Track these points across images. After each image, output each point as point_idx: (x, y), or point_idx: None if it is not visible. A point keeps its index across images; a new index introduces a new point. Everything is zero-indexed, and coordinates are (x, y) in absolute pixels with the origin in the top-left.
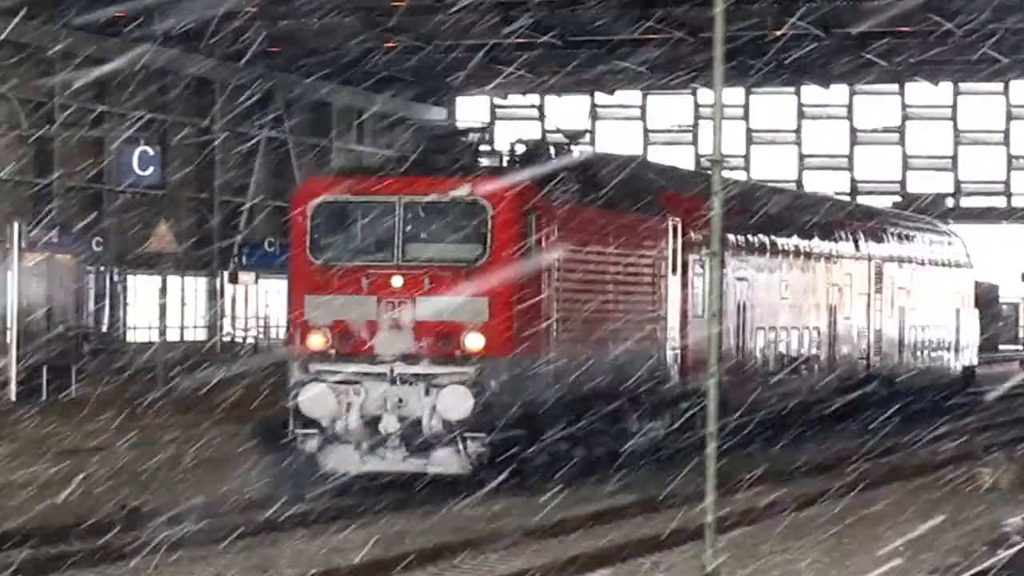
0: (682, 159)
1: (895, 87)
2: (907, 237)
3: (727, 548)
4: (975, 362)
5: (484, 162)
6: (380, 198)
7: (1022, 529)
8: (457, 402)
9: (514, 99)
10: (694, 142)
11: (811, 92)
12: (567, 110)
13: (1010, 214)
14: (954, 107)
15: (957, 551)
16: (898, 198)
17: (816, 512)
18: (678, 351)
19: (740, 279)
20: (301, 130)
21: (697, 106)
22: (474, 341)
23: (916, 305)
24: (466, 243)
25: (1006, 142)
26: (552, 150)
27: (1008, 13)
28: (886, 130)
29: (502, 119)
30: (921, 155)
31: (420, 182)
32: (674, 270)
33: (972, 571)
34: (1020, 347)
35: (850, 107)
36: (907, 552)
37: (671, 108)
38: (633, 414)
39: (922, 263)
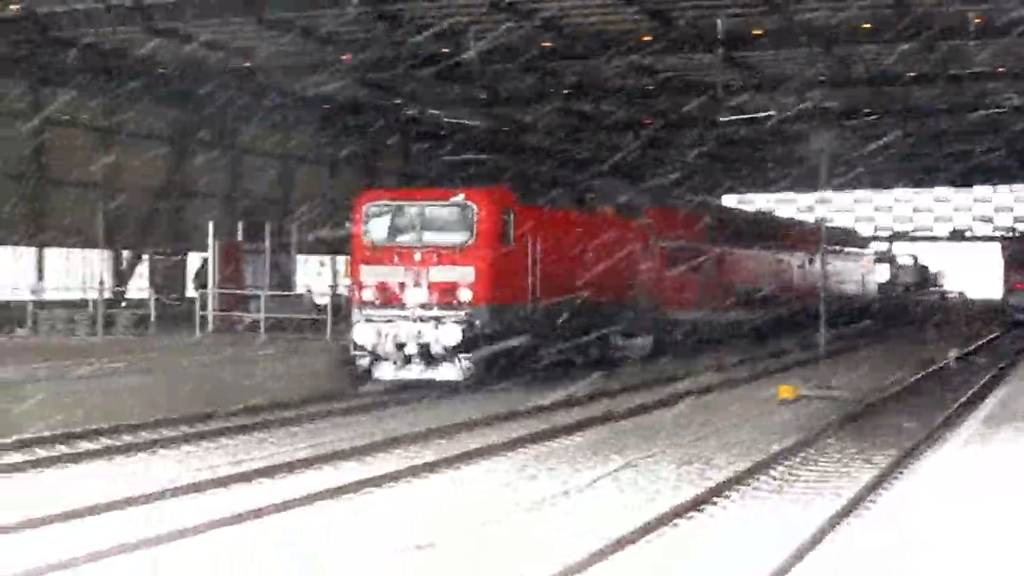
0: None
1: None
2: (835, 239)
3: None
4: (875, 295)
5: (477, 182)
6: (408, 202)
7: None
8: (450, 333)
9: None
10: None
11: (863, 194)
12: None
13: (934, 239)
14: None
15: (910, 368)
16: (889, 232)
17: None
18: (654, 301)
19: (734, 260)
20: None
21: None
22: (465, 294)
23: (839, 271)
24: (460, 231)
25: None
26: (540, 177)
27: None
28: (888, 207)
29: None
30: (900, 215)
31: (433, 192)
32: (649, 251)
33: (917, 376)
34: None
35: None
36: (897, 369)
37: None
38: (617, 337)
39: (841, 251)
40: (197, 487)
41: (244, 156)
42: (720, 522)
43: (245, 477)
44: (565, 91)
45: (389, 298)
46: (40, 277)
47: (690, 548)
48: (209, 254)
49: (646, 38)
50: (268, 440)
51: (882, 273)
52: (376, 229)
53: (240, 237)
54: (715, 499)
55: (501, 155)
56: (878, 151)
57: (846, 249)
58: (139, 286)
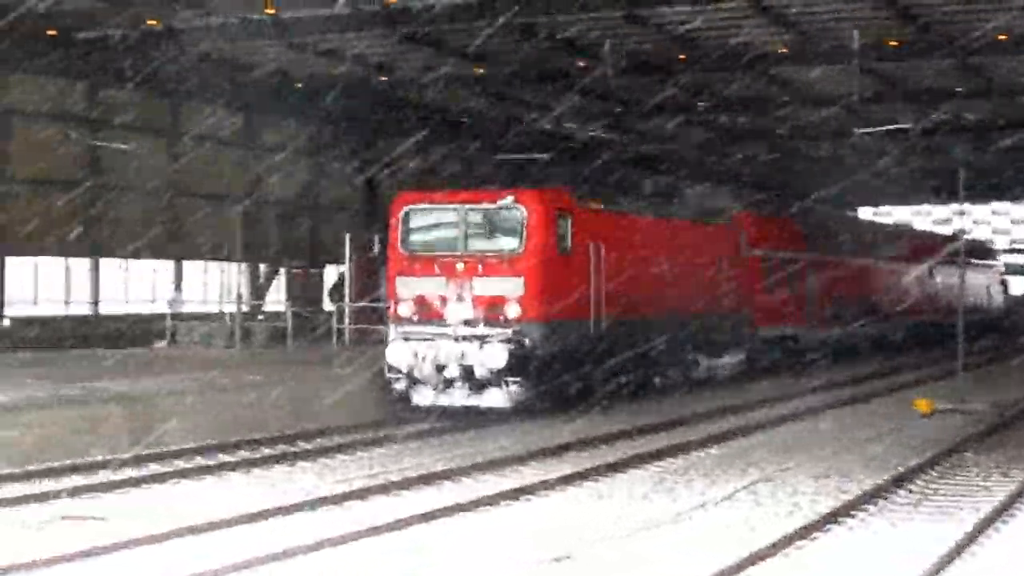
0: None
1: None
2: (971, 253)
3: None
4: (1001, 308)
5: (526, 183)
6: (449, 206)
7: None
8: (496, 355)
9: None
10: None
11: (1001, 206)
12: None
13: None
14: None
15: None
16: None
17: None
18: (746, 315)
19: (841, 271)
20: None
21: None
22: (514, 309)
23: (971, 282)
24: (508, 238)
25: None
26: (607, 178)
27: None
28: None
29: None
30: None
31: (479, 194)
32: (740, 260)
33: None
34: None
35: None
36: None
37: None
38: (702, 352)
39: (973, 264)
40: (335, 499)
41: (380, 170)
42: (859, 535)
43: (383, 489)
44: (698, 103)
45: (428, 313)
46: (178, 290)
47: (829, 562)
48: (345, 268)
49: (781, 50)
50: (404, 453)
51: (1019, 286)
52: (414, 236)
53: (376, 251)
54: (853, 512)
55: (634, 168)
56: (1015, 162)
57: (971, 260)
58: (276, 299)
